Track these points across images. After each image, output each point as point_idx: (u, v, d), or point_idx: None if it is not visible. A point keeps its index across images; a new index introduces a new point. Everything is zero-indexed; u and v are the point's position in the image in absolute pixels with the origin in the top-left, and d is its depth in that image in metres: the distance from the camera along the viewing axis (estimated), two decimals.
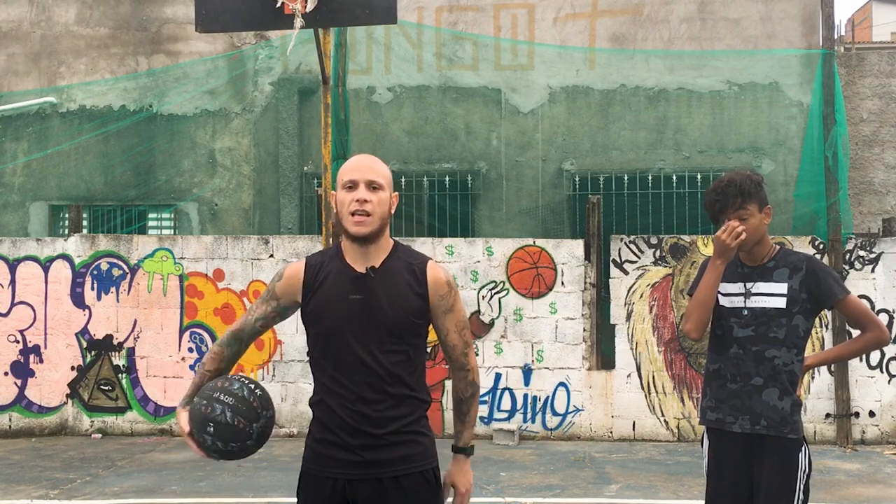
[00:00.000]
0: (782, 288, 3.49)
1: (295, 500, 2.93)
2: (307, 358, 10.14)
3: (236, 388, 2.83)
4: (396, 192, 2.90)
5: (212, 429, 2.77)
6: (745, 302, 3.52)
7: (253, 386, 2.86)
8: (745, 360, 3.48)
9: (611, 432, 8.84)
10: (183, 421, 2.86)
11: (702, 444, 3.70)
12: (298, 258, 9.06)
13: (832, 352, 3.82)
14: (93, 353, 9.10)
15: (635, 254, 8.87)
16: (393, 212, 2.86)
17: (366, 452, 2.77)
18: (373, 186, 2.75)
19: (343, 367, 2.78)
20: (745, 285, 3.55)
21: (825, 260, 8.75)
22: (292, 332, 8.99)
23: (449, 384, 8.87)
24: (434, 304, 2.85)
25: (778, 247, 3.62)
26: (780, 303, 3.48)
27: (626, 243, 8.87)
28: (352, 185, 2.75)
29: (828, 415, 8.74)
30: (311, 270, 2.85)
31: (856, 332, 3.66)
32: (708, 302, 3.50)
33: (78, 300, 9.13)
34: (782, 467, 3.41)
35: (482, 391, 8.89)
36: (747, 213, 3.49)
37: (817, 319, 8.72)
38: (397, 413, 2.80)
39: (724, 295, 3.58)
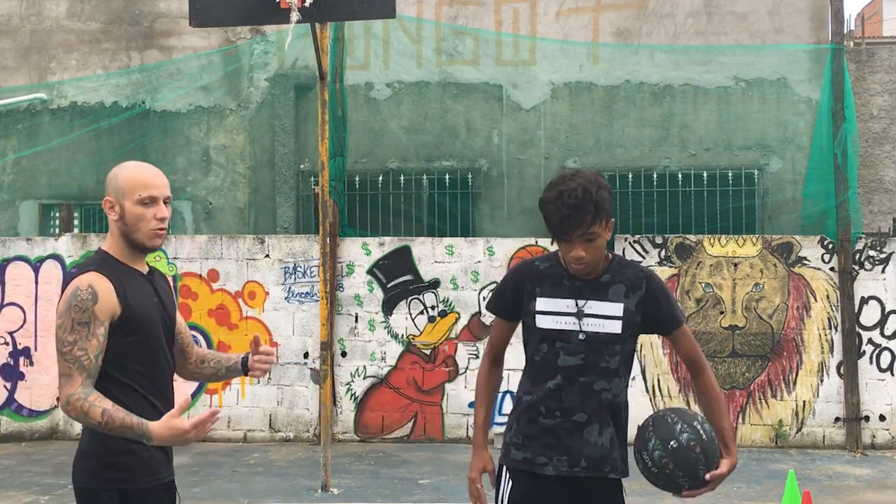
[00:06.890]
0: (618, 309, 2.95)
1: None
2: (303, 360, 9.83)
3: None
4: None
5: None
6: (578, 324, 2.97)
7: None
8: (569, 393, 2.97)
9: None
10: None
11: (497, 486, 3.13)
12: (294, 258, 8.94)
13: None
14: None
15: (640, 254, 8.78)
16: None
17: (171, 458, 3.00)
18: (167, 203, 2.88)
19: (155, 370, 2.89)
20: (577, 303, 2.97)
21: (834, 260, 8.65)
22: (288, 335, 8.89)
23: (449, 387, 8.83)
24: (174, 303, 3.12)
25: (610, 255, 3.06)
26: (616, 327, 2.95)
27: (630, 243, 8.79)
28: (152, 201, 2.82)
29: (837, 418, 8.63)
30: (115, 281, 2.82)
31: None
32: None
33: None
34: None
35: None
36: (596, 233, 2.87)
37: (827, 321, 8.63)
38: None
39: (546, 314, 3.01)
